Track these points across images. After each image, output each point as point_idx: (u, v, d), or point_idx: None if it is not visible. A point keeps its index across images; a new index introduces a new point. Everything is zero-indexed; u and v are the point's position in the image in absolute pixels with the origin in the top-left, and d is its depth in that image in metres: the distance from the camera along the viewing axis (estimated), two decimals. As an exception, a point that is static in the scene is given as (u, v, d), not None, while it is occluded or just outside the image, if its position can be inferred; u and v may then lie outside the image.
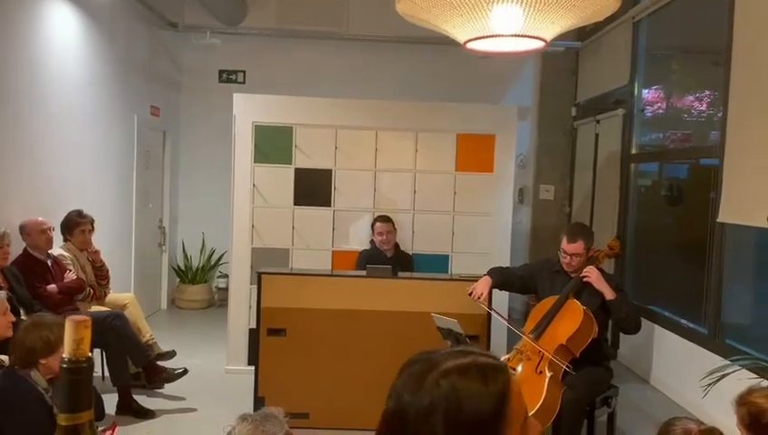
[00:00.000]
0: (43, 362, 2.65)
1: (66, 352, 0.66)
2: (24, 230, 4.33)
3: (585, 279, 3.69)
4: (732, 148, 4.43)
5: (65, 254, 4.58)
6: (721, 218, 4.49)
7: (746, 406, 2.13)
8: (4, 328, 3.07)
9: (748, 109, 4.27)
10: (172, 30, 7.16)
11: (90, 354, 0.67)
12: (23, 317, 3.77)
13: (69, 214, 4.68)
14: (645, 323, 4.88)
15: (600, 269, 3.80)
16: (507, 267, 4.25)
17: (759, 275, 4.65)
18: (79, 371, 0.66)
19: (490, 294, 3.99)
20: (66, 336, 0.66)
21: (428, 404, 0.94)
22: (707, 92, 5.40)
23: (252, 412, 1.68)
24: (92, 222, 4.77)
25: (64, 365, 0.66)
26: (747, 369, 2.71)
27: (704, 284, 4.82)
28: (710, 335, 4.65)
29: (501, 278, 4.01)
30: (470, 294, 3.90)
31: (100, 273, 4.82)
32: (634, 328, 3.75)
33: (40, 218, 4.40)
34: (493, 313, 4.02)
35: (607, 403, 3.71)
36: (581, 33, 6.86)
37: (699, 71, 5.70)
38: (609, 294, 3.62)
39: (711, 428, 1.92)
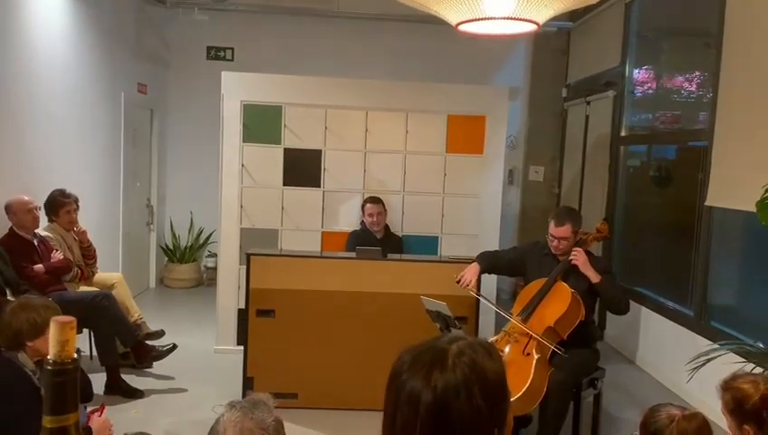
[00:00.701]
0: (30, 344, 2.64)
1: (51, 354, 0.64)
2: (9, 209, 4.28)
3: (573, 262, 3.71)
4: (721, 131, 4.44)
5: (51, 235, 4.52)
6: (709, 202, 4.52)
7: (731, 392, 2.15)
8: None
9: (738, 92, 4.27)
10: (160, 6, 7.03)
11: (75, 356, 0.66)
12: (9, 298, 3.74)
13: (52, 193, 4.60)
14: (632, 305, 4.93)
15: (588, 252, 3.82)
16: (496, 251, 4.26)
17: (745, 258, 4.69)
18: (64, 372, 0.65)
19: (479, 279, 4.00)
20: (51, 338, 0.64)
21: (462, 380, 1.01)
22: (697, 73, 5.39)
23: (240, 399, 1.67)
24: (77, 201, 4.70)
25: (49, 367, 0.64)
26: (733, 352, 2.73)
27: (690, 266, 4.86)
28: (696, 317, 4.70)
29: (489, 263, 4.02)
30: (458, 282, 3.91)
31: (88, 253, 4.78)
32: (623, 310, 3.79)
33: (26, 197, 4.34)
34: (481, 298, 4.03)
35: (593, 385, 3.76)
36: (574, 14, 6.82)
37: (690, 52, 5.69)
38: (594, 278, 3.65)
39: (694, 413, 1.94)
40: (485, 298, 3.97)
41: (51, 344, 0.65)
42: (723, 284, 4.70)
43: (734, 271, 4.77)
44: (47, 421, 0.64)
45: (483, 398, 1.01)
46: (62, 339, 0.64)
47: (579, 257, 3.70)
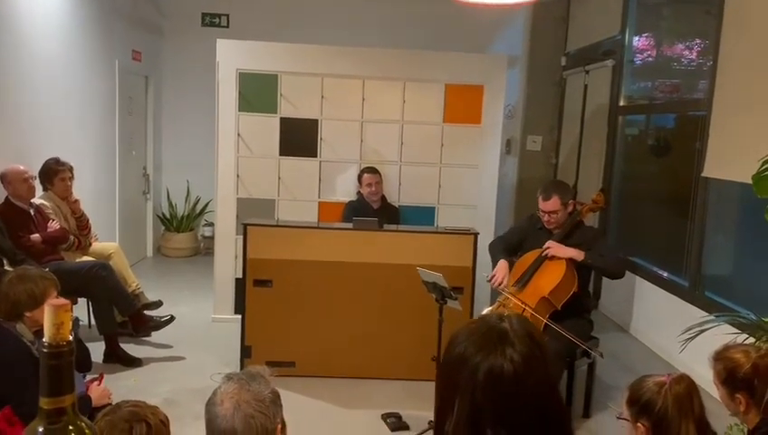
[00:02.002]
0: (28, 314, 2.66)
1: (46, 337, 0.65)
2: (4, 179, 4.26)
3: (548, 254, 3.68)
4: (720, 102, 4.41)
5: (46, 203, 4.52)
6: (706, 173, 4.51)
7: (722, 361, 2.19)
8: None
9: (737, 63, 4.23)
10: (153, -30, 6.92)
11: (70, 338, 0.66)
12: (7, 268, 3.75)
13: (46, 162, 4.59)
14: (627, 274, 4.96)
15: (580, 222, 3.84)
16: (502, 239, 4.23)
17: (740, 229, 4.71)
18: (59, 355, 0.65)
19: (475, 245, 4.01)
20: (46, 321, 0.65)
21: (529, 350, 1.12)
22: (698, 41, 5.34)
23: (238, 369, 1.69)
24: (71, 169, 4.69)
25: (44, 350, 0.65)
26: (728, 324, 2.76)
27: (686, 236, 4.88)
28: (690, 288, 4.74)
29: (509, 254, 4.00)
30: (489, 281, 3.89)
31: (81, 223, 4.77)
32: (617, 276, 3.81)
33: (21, 167, 4.32)
34: (513, 298, 3.94)
35: (587, 354, 3.80)
36: (574, -19, 6.72)
37: (691, 19, 5.63)
38: (578, 257, 3.64)
39: (681, 375, 1.96)
40: (522, 301, 3.79)
41: (45, 327, 0.65)
42: (718, 254, 4.72)
43: (730, 242, 4.79)
44: (44, 402, 0.65)
45: (544, 360, 1.15)
46: (57, 322, 0.65)
47: (551, 248, 3.67)
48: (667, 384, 1.89)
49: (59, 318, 0.64)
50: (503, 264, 3.91)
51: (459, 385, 1.12)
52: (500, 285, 3.84)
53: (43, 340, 0.65)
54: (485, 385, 1.10)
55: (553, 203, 3.77)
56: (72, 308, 0.67)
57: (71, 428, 0.68)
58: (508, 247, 4.07)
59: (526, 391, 1.11)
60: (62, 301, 0.65)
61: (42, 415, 0.66)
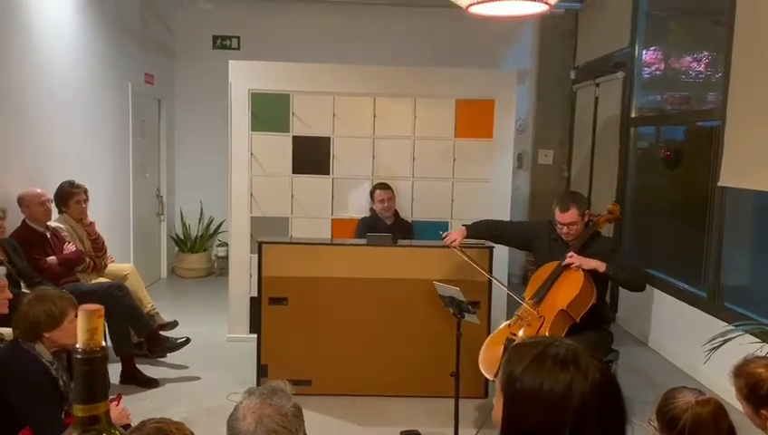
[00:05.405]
0: (47, 335, 2.65)
1: (79, 343, 0.64)
2: (22, 202, 4.30)
3: (573, 266, 3.65)
4: (734, 110, 4.38)
5: (62, 226, 4.54)
6: (722, 182, 4.47)
7: (744, 377, 2.11)
8: (1, 305, 3.05)
9: (751, 69, 4.21)
10: (164, -5, 7.02)
11: (103, 344, 0.65)
12: (24, 290, 3.76)
13: (61, 185, 4.62)
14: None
15: (596, 233, 3.81)
16: (498, 221, 4.26)
17: (758, 237, 4.65)
18: (93, 361, 0.64)
19: (491, 262, 3.99)
20: (79, 326, 0.64)
21: (594, 367, 1.16)
22: (706, 53, 5.33)
23: (258, 386, 1.68)
24: (86, 191, 4.72)
25: (78, 356, 0.64)
26: (750, 334, 2.72)
27: (703, 247, 4.83)
28: (710, 299, 4.68)
29: (482, 231, 4.05)
30: (443, 238, 3.98)
31: (96, 245, 4.79)
32: (638, 288, 3.75)
33: (38, 190, 4.35)
34: (487, 274, 4.03)
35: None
36: (582, -5, 6.74)
37: (699, 31, 5.62)
38: (600, 268, 3.59)
39: (708, 398, 1.91)
40: (497, 279, 3.95)
41: (79, 333, 0.64)
42: (736, 264, 4.67)
43: (748, 251, 4.73)
44: (78, 410, 0.64)
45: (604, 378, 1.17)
46: (91, 327, 0.64)
47: (574, 260, 3.64)
48: (690, 406, 1.85)
49: (92, 323, 0.64)
50: (461, 228, 4.02)
51: (564, 415, 1.13)
52: (453, 242, 3.92)
53: (77, 346, 0.64)
54: (558, 405, 1.13)
55: (571, 214, 3.73)
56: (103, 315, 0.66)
57: (103, 435, 0.67)
58: (497, 229, 4.07)
59: (606, 409, 1.16)
60: (95, 306, 0.65)
61: (77, 423, 0.66)
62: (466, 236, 4.00)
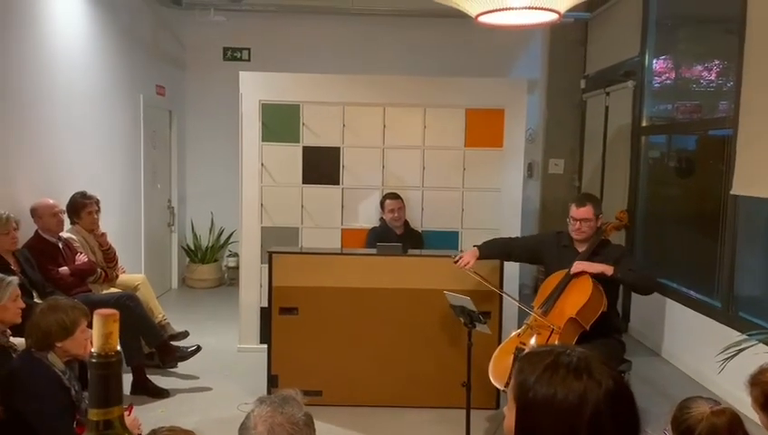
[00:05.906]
0: (59, 344, 2.66)
1: (95, 347, 0.64)
2: (35, 213, 4.33)
3: (577, 270, 3.62)
4: (746, 118, 4.36)
5: (74, 237, 4.57)
6: (735, 191, 4.44)
7: (760, 386, 2.09)
8: (14, 314, 3.08)
9: (764, 77, 4.19)
10: (176, 7, 7.07)
11: (118, 348, 0.66)
12: (36, 300, 3.79)
13: (73, 196, 4.66)
14: (656, 296, 4.86)
15: (605, 240, 3.79)
16: (509, 238, 4.24)
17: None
18: (108, 365, 0.65)
19: (501, 274, 3.98)
20: (94, 331, 0.64)
21: (607, 373, 1.14)
22: (717, 61, 5.31)
23: (270, 395, 1.67)
24: (98, 202, 4.75)
25: (93, 360, 0.64)
26: (764, 343, 2.68)
27: (716, 256, 4.79)
28: (723, 308, 4.63)
29: (494, 251, 4.02)
30: (456, 262, 3.93)
31: (108, 255, 4.81)
32: (649, 290, 3.74)
33: (51, 201, 4.39)
34: (499, 291, 4.02)
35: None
36: (591, 4, 6.75)
37: (710, 39, 5.61)
38: (608, 271, 3.58)
39: (723, 408, 1.89)
40: (503, 291, 3.94)
41: (94, 337, 0.64)
42: (750, 273, 4.62)
43: (762, 260, 4.69)
44: (92, 414, 0.64)
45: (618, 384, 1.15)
46: (106, 332, 0.64)
47: (580, 266, 3.62)
48: (705, 416, 1.83)
49: (107, 328, 0.64)
50: (473, 250, 3.97)
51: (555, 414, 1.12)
52: (466, 265, 3.87)
53: (92, 350, 0.65)
54: (573, 412, 1.11)
55: (587, 211, 3.73)
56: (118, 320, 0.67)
57: (118, 441, 0.67)
58: (508, 247, 4.05)
59: (620, 413, 1.15)
60: (110, 310, 0.65)
61: (91, 427, 0.66)
62: (479, 258, 3.96)
